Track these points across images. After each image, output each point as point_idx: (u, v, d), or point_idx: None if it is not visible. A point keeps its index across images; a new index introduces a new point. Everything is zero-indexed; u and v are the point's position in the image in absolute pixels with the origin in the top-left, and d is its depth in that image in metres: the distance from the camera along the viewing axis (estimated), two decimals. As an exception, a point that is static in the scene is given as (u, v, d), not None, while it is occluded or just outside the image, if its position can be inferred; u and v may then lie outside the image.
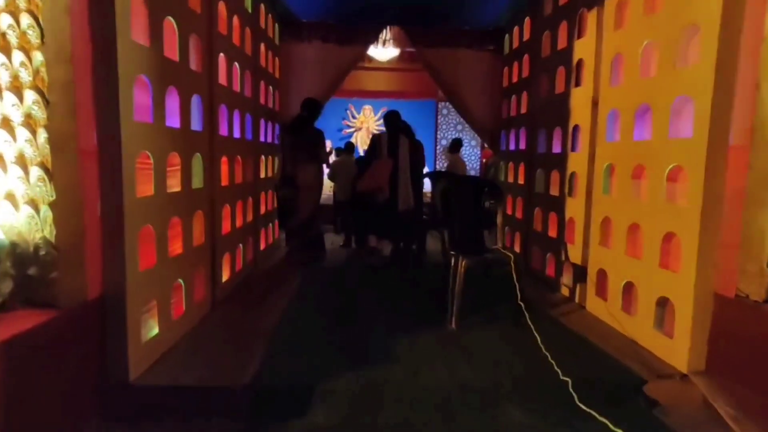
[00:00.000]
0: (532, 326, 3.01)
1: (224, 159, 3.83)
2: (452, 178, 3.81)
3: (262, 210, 5.11)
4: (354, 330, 3.28)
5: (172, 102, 2.90)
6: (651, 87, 3.05)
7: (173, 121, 2.91)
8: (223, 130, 3.82)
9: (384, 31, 5.95)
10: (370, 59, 10.58)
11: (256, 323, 3.33)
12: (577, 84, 4.10)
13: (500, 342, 3.07)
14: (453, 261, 3.31)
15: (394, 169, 5.01)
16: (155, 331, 2.69)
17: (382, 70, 10.98)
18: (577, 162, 4.00)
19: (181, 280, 3.02)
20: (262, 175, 5.10)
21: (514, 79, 5.49)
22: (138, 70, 2.44)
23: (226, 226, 3.91)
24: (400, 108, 12.43)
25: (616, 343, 3.09)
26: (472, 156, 11.47)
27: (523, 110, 5.20)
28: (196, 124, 3.26)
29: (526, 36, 5.14)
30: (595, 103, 3.75)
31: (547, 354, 2.78)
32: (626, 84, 3.35)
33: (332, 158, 11.11)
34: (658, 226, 2.93)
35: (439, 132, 11.43)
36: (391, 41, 6.00)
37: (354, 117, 12.57)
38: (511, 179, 5.53)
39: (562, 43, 4.30)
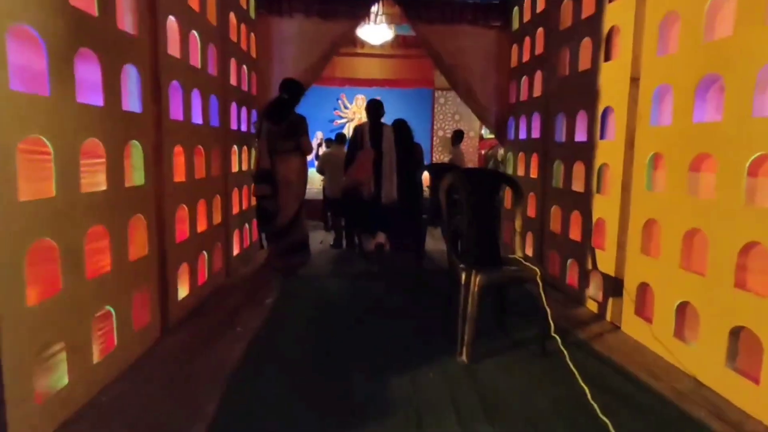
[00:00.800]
0: (569, 363, 2.29)
1: (179, 149, 3.07)
2: (462, 173, 3.06)
3: (236, 209, 4.36)
4: (338, 367, 2.55)
5: (89, 71, 2.13)
6: (722, 52, 2.31)
7: (92, 97, 2.15)
8: (176, 114, 3.05)
9: (375, 4, 5.18)
10: (363, 44, 9.80)
11: (214, 359, 2.59)
12: (608, 58, 3.37)
13: (529, 386, 2.34)
14: (464, 277, 2.58)
15: (378, 160, 4.58)
16: (64, 381, 1.95)
17: (376, 56, 10.19)
18: (608, 152, 3.28)
19: (110, 307, 2.28)
20: (235, 169, 4.34)
21: (525, 58, 4.74)
22: (14, 16, 1.68)
23: (182, 232, 3.16)
24: (395, 97, 11.82)
25: (674, 381, 2.39)
26: (470, 147, 10.72)
27: (537, 93, 4.46)
28: (131, 104, 2.50)
29: (540, 6, 4.39)
30: (634, 80, 3.02)
31: (594, 403, 2.06)
32: (682, 52, 2.61)
33: (322, 150, 10.33)
34: (732, 233, 2.22)
35: (435, 122, 10.68)
36: (384, 16, 5.22)
37: (346, 107, 11.79)
38: (521, 172, 4.80)
39: (588, 10, 3.56)
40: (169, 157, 2.91)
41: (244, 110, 4.55)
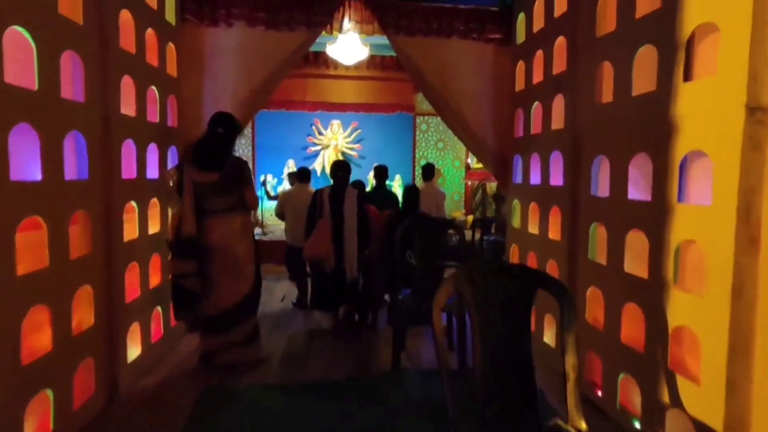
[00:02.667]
0: None
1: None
2: (474, 272, 1.72)
3: (130, 296, 2.93)
4: None
5: None
6: None
7: None
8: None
9: (341, 9, 3.90)
10: (336, 65, 8.58)
11: None
12: (687, 77, 2.11)
13: None
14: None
15: (337, 231, 3.86)
16: None
17: (350, 78, 8.96)
18: (697, 222, 1.99)
19: None
20: (132, 235, 2.94)
21: (537, 78, 3.49)
22: None
23: (27, 348, 1.78)
24: (373, 123, 10.48)
25: None
26: (456, 178, 9.49)
27: (556, 124, 3.19)
28: None
29: (559, 9, 3.15)
30: (753, 109, 1.75)
31: None
32: None
33: (279, 188, 8.94)
34: None
35: (417, 150, 9.43)
36: (352, 24, 3.94)
37: (321, 133, 10.49)
38: (533, 229, 3.50)
39: (644, 6, 2.32)
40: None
41: (152, 149, 3.16)
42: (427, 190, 6.22)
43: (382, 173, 5.55)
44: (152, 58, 3.13)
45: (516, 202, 3.88)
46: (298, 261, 5.27)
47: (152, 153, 3.16)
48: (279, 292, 6.01)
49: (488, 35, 3.97)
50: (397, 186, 10.37)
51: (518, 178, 3.83)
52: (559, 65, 3.13)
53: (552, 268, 3.18)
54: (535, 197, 3.49)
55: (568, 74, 3.01)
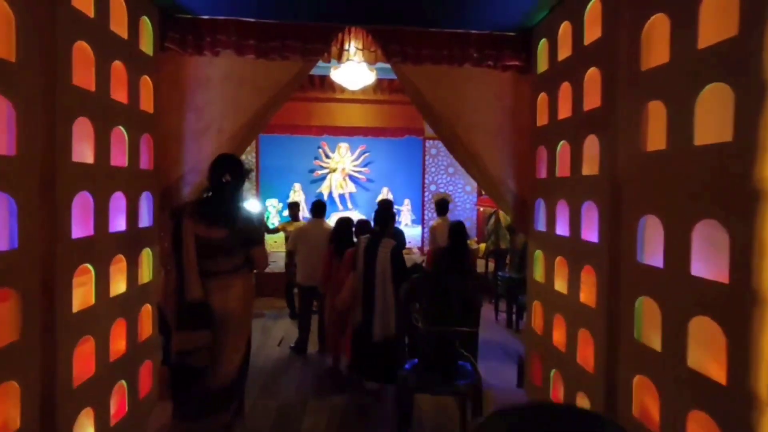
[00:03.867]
0: None
1: None
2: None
3: (81, 376, 2.42)
4: None
5: None
6: None
7: None
8: None
9: (340, 36, 3.44)
10: (342, 89, 8.15)
11: None
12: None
13: None
14: None
15: (368, 288, 3.47)
16: None
17: (357, 102, 8.52)
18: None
19: None
20: (85, 302, 2.44)
21: (563, 113, 2.97)
22: None
23: None
24: (380, 147, 10.01)
25: None
26: (466, 204, 8.95)
27: (589, 169, 2.66)
28: None
29: (590, 35, 2.64)
30: None
31: None
32: None
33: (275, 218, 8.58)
34: None
35: (427, 175, 8.92)
36: (354, 52, 3.47)
37: (328, 156, 10.07)
38: (561, 287, 2.95)
39: (710, 33, 1.79)
40: None
41: (117, 198, 2.68)
42: (444, 226, 5.71)
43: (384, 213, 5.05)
44: (120, 94, 2.68)
45: (538, 253, 3.32)
46: (306, 301, 4.82)
47: (118, 201, 2.68)
48: (277, 333, 5.49)
49: (505, 62, 3.47)
50: (406, 210, 9.86)
51: (541, 225, 3.28)
52: (592, 101, 2.61)
53: (586, 341, 2.62)
54: (562, 250, 2.94)
55: (603, 112, 2.49)
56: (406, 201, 9.94)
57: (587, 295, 2.64)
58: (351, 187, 10.21)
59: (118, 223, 2.70)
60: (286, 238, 6.02)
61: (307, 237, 4.68)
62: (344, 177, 10.16)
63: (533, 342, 3.33)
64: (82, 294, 2.39)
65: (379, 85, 7.96)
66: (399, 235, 5.02)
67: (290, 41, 3.29)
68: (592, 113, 2.60)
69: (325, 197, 10.12)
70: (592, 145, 2.61)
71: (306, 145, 9.81)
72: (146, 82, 2.99)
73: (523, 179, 3.49)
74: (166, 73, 3.23)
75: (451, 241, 4.18)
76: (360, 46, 3.46)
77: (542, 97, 3.24)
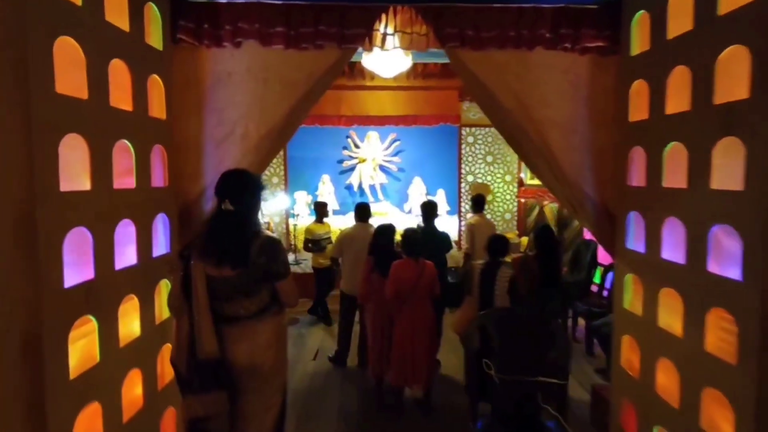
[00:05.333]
0: None
1: None
2: None
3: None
4: None
5: None
6: None
7: None
8: None
9: (384, 17, 2.81)
10: (372, 75, 7.49)
11: None
12: None
13: None
14: None
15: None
16: None
17: (388, 89, 7.86)
18: None
19: None
20: (87, 362, 1.94)
21: (673, 106, 2.27)
22: None
23: None
24: (413, 137, 9.22)
25: None
26: (506, 195, 8.24)
27: (721, 182, 1.98)
28: None
29: (728, 3, 1.93)
30: None
31: None
32: None
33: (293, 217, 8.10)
34: None
35: (463, 165, 8.22)
36: (398, 37, 2.83)
37: (357, 146, 9.46)
38: (667, 325, 2.30)
39: None
40: None
41: (124, 226, 2.16)
42: (483, 224, 5.07)
43: (430, 211, 4.43)
44: (123, 100, 2.13)
45: (630, 278, 2.67)
46: (350, 311, 4.40)
47: (125, 230, 2.17)
48: (312, 344, 5.03)
49: (585, 43, 2.77)
50: (441, 200, 9.20)
51: (635, 244, 2.62)
52: (730, 91, 1.91)
53: (716, 403, 1.98)
54: (673, 281, 2.28)
55: (752, 107, 1.80)
56: (440, 191, 9.29)
57: (719, 344, 2.00)
58: (381, 178, 9.62)
59: (127, 256, 2.19)
60: (312, 240, 5.48)
61: (353, 243, 4.26)
62: (374, 167, 9.56)
63: (623, 384, 2.70)
64: (83, 349, 1.90)
65: (412, 70, 7.28)
66: (445, 240, 4.43)
67: (325, 27, 2.67)
68: (729, 108, 1.91)
69: (355, 188, 9.57)
70: (726, 151, 1.93)
71: (334, 135, 9.24)
72: (156, 83, 2.43)
73: (606, 186, 2.82)
74: (180, 70, 2.67)
75: (539, 255, 3.55)
76: (408, 30, 2.82)
77: (639, 86, 2.54)
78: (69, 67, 1.79)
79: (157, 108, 2.45)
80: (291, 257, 7.22)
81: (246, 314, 2.04)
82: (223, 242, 1.97)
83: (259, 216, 2.17)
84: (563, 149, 2.82)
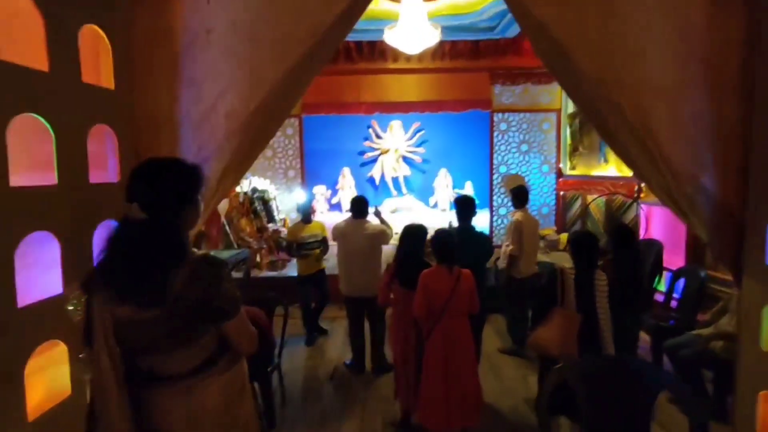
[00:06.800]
0: None
1: None
2: None
3: None
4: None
5: None
6: None
7: None
8: None
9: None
10: (395, 56, 6.67)
11: None
12: None
13: None
14: None
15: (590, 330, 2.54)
16: None
17: (413, 72, 7.03)
18: None
19: None
20: None
21: None
22: None
23: None
24: (440, 124, 7.99)
25: None
26: (544, 187, 7.34)
27: None
28: None
29: None
30: None
31: None
32: None
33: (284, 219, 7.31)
34: None
35: (496, 155, 7.34)
36: None
37: (379, 136, 8.68)
38: None
39: None
40: None
41: (43, 239, 1.43)
42: (528, 222, 4.23)
43: (467, 208, 3.60)
44: (34, 59, 1.40)
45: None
46: (356, 313, 3.84)
47: (39, 247, 1.44)
48: (331, 354, 4.30)
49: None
50: (469, 193, 8.33)
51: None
52: None
53: None
54: None
55: None
56: (467, 184, 8.46)
57: None
58: (405, 170, 8.84)
59: (48, 285, 1.47)
60: (292, 245, 4.43)
61: (344, 240, 3.79)
62: (397, 159, 8.77)
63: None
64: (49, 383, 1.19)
65: (439, 49, 6.42)
66: (485, 244, 3.61)
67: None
68: None
69: (377, 181, 8.82)
70: None
71: (354, 124, 8.49)
72: (94, 36, 1.69)
73: (731, 177, 1.97)
74: (141, 24, 1.92)
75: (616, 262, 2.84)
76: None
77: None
78: None
79: (98, 73, 1.71)
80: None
81: (183, 371, 1.28)
82: (123, 269, 1.21)
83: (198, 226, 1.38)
84: (668, 125, 1.96)
